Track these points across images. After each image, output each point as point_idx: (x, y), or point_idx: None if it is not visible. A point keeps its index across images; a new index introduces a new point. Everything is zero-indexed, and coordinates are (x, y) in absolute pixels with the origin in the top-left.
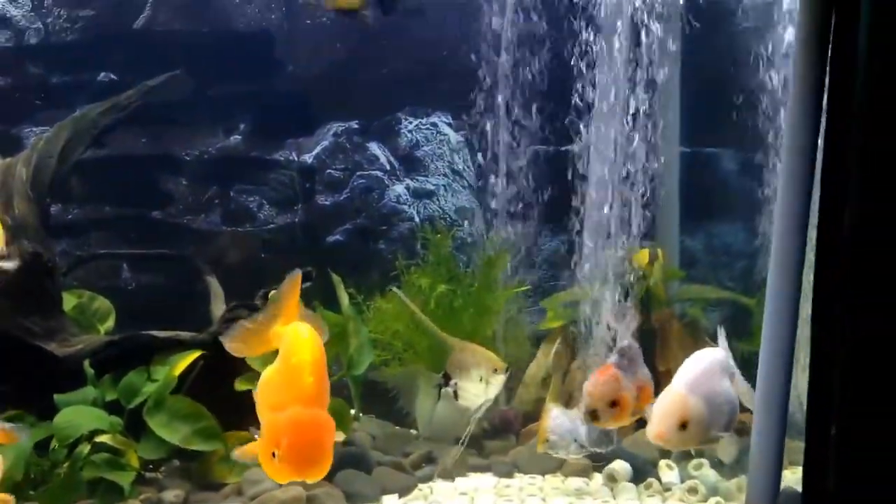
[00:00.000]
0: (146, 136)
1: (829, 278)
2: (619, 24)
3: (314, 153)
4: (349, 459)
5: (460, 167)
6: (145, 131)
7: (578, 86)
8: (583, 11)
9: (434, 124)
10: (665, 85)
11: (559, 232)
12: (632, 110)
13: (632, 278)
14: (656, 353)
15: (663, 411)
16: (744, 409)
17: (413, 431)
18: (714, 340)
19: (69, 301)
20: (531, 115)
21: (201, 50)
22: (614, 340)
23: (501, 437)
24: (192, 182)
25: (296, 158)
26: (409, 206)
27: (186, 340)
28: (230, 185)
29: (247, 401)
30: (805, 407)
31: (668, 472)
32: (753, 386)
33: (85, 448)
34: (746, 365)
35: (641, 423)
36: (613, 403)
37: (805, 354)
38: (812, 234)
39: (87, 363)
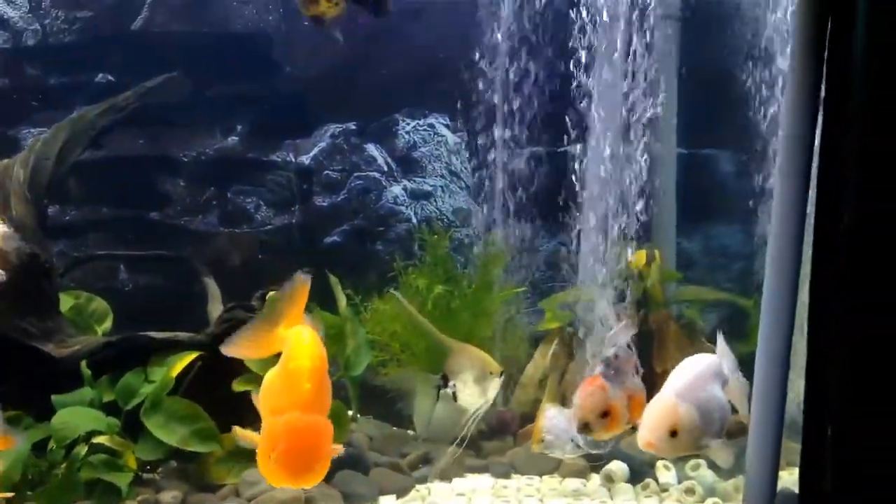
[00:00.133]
0: (144, 137)
1: (826, 279)
2: (616, 25)
3: (312, 154)
4: (347, 460)
5: (457, 168)
6: (143, 132)
7: (575, 87)
8: (580, 12)
9: (431, 125)
10: (662, 86)
11: (557, 233)
12: (629, 112)
13: (629, 280)
14: (653, 355)
15: (653, 419)
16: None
17: (410, 432)
18: (711, 341)
19: (66, 302)
20: (528, 116)
21: (199, 51)
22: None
23: (499, 438)
24: (189, 183)
25: (293, 159)
26: (407, 207)
27: (184, 341)
28: (228, 187)
29: (244, 402)
30: (802, 408)
31: (666, 472)
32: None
33: (82, 449)
34: (743, 366)
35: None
36: (604, 414)
37: (802, 356)
38: (809, 235)
39: (84, 364)
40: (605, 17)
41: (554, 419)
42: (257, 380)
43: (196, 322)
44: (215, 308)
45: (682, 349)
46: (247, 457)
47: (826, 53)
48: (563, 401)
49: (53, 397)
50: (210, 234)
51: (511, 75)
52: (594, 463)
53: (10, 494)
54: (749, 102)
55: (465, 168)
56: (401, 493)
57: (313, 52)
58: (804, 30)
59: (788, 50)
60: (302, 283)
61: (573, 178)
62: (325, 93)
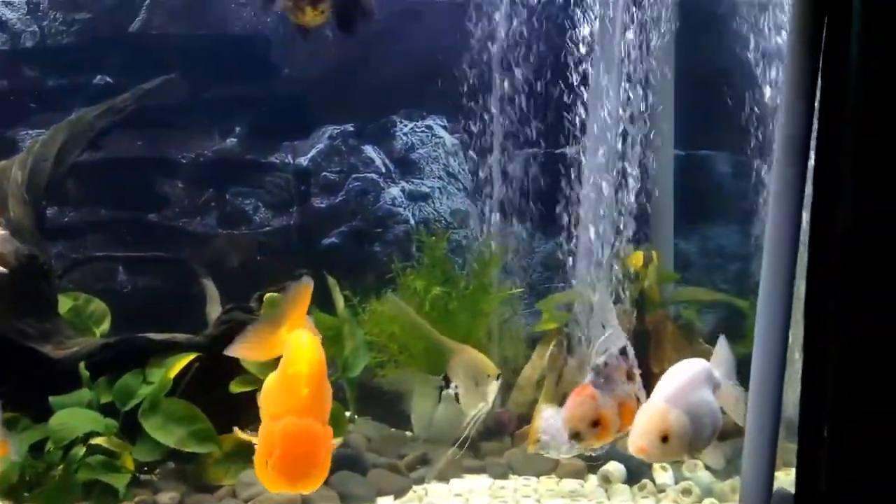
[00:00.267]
0: (142, 138)
1: (822, 279)
2: (613, 26)
3: (310, 156)
4: (344, 461)
5: (455, 170)
6: (141, 134)
7: (572, 89)
8: (577, 14)
9: (429, 127)
10: (660, 87)
11: (554, 234)
12: (626, 113)
13: (626, 281)
14: (651, 355)
15: (644, 425)
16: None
17: (408, 433)
18: (708, 342)
19: (65, 304)
20: (525, 117)
21: (197, 53)
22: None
23: (496, 439)
24: (187, 185)
25: (291, 161)
26: (405, 208)
27: (182, 343)
28: (226, 188)
29: (242, 403)
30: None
31: (663, 473)
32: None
33: (80, 450)
34: (739, 367)
35: None
36: (595, 423)
37: (798, 356)
38: (805, 235)
39: (82, 365)
40: (602, 18)
41: (550, 420)
42: (255, 381)
43: (194, 324)
44: (214, 309)
45: (680, 350)
46: (244, 458)
47: (822, 53)
48: (561, 401)
49: (51, 398)
50: (208, 235)
51: (508, 77)
52: (591, 463)
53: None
54: (747, 103)
55: (463, 169)
56: (398, 493)
57: (311, 54)
58: (800, 29)
59: (785, 50)
60: (305, 287)
61: (570, 179)
62: (323, 94)
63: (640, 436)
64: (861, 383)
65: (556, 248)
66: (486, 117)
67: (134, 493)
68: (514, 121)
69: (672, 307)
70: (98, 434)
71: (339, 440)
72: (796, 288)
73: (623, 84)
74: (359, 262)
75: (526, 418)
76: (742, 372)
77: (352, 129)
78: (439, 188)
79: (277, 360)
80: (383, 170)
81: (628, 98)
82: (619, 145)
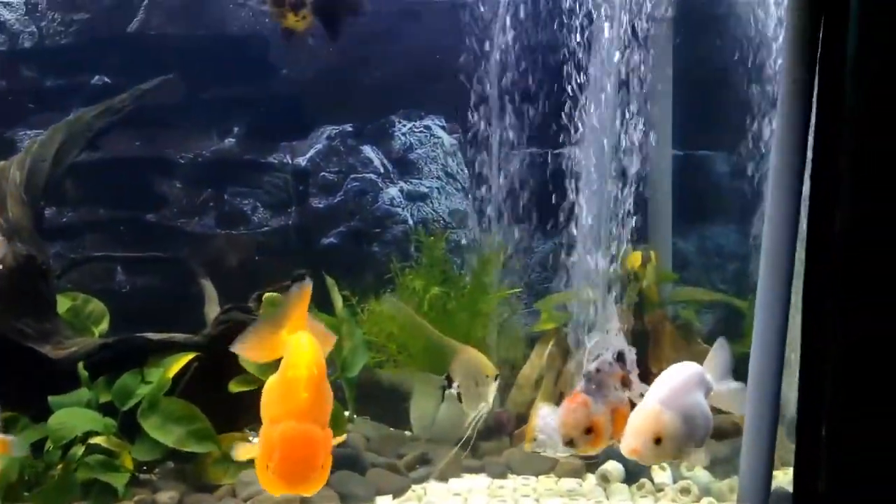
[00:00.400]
0: (140, 139)
1: (820, 278)
2: (611, 26)
3: (308, 156)
4: (343, 461)
5: (454, 170)
6: (139, 134)
7: (571, 88)
8: (575, 15)
9: (427, 127)
10: (657, 87)
11: (552, 234)
12: (624, 113)
13: (626, 280)
14: (649, 355)
15: (637, 426)
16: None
17: (407, 433)
18: (707, 342)
19: (63, 304)
20: (523, 117)
21: (195, 53)
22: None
23: (495, 439)
24: (186, 185)
25: (290, 161)
26: (403, 208)
27: (181, 343)
28: (224, 188)
29: (240, 402)
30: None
31: (661, 472)
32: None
33: (79, 449)
34: (737, 367)
35: None
36: (588, 430)
37: (796, 356)
38: (803, 233)
39: (81, 365)
40: (600, 18)
41: (547, 418)
42: (254, 381)
43: (193, 324)
44: (212, 309)
45: (678, 350)
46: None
47: (819, 53)
48: (559, 401)
49: (50, 398)
50: (207, 235)
51: (506, 77)
52: (590, 462)
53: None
54: (744, 103)
55: (462, 169)
56: (397, 493)
57: (309, 55)
58: (797, 29)
59: (782, 50)
60: (304, 289)
61: (569, 179)
62: (322, 95)
63: (633, 437)
64: (859, 383)
65: (555, 248)
66: (484, 117)
67: (133, 492)
68: (512, 120)
69: (670, 307)
70: (97, 433)
71: (340, 438)
72: (794, 288)
73: (621, 84)
74: (357, 262)
75: (525, 418)
76: (741, 371)
77: (350, 129)
78: (438, 188)
79: (277, 359)
80: (382, 170)
81: (627, 98)
82: (618, 145)
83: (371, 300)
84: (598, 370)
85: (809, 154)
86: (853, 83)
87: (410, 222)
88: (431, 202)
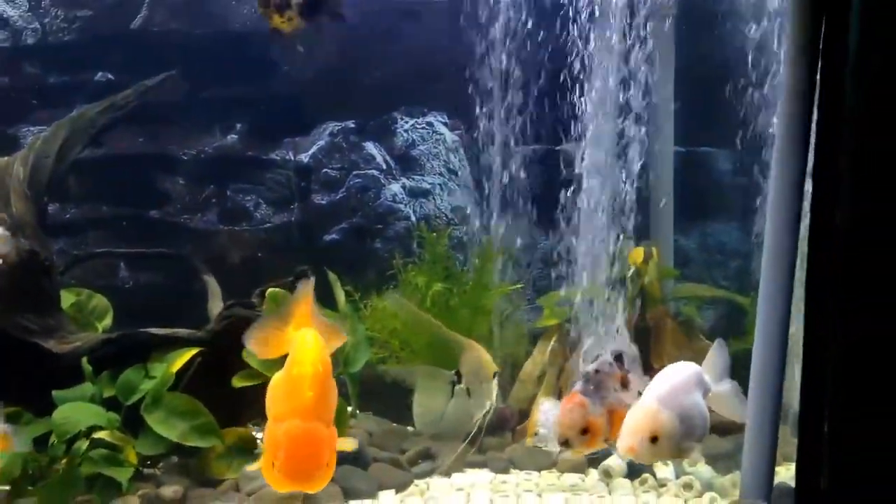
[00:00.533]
0: (143, 135)
1: (822, 278)
2: (613, 22)
3: (310, 152)
4: (346, 456)
5: (456, 166)
6: (142, 131)
7: (572, 85)
8: (576, 11)
9: (430, 123)
10: (659, 84)
11: (554, 230)
12: (626, 109)
13: (628, 277)
14: (651, 351)
15: (634, 425)
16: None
17: (410, 428)
18: (709, 338)
19: (67, 299)
20: (525, 114)
21: (198, 50)
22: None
23: (498, 434)
24: (189, 181)
25: (292, 158)
26: (406, 205)
27: (184, 338)
28: (227, 185)
29: (244, 397)
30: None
31: (664, 467)
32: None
33: (83, 444)
34: (740, 363)
35: None
36: (584, 431)
37: (799, 353)
38: (805, 233)
39: (84, 360)
40: (602, 15)
41: (548, 413)
42: (257, 376)
43: (196, 319)
44: (215, 305)
45: (680, 346)
46: (247, 452)
47: (821, 51)
48: (561, 396)
49: (54, 393)
50: (209, 231)
51: (508, 73)
52: (592, 457)
53: (4, 487)
54: (747, 99)
55: (464, 166)
56: (400, 488)
57: (312, 51)
58: (798, 29)
59: (784, 48)
60: (306, 286)
61: (571, 175)
62: (324, 91)
63: (629, 436)
64: (860, 381)
65: (557, 245)
66: (486, 114)
67: (137, 486)
68: (514, 117)
69: (672, 303)
70: (101, 428)
71: (350, 446)
72: (796, 285)
73: (623, 80)
74: (360, 259)
75: (527, 413)
76: (743, 368)
77: (353, 125)
78: (440, 185)
79: (283, 355)
80: (384, 166)
81: (628, 94)
82: (619, 142)
83: (374, 296)
84: (597, 371)
85: (811, 153)
86: (854, 82)
87: (413, 219)
88: (434, 198)
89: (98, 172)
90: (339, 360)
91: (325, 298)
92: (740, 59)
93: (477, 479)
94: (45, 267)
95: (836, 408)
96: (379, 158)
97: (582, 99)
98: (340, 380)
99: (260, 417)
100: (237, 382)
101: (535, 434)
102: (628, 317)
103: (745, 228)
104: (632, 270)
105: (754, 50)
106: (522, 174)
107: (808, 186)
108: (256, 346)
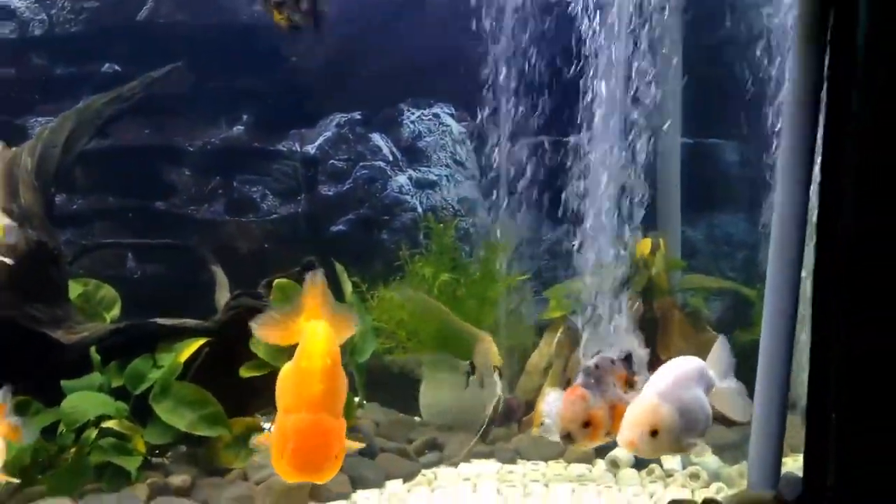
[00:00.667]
0: (150, 126)
1: (827, 283)
2: (621, 13)
3: (317, 144)
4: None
5: (462, 157)
6: (149, 122)
7: (579, 76)
8: (585, 1)
9: (436, 115)
10: (667, 75)
11: (561, 222)
12: (634, 101)
13: (634, 268)
14: (658, 342)
15: (634, 419)
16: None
17: (417, 419)
18: (715, 329)
19: (75, 289)
20: (532, 105)
21: (204, 42)
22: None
23: (504, 425)
24: (195, 172)
25: (299, 149)
26: (412, 196)
27: (191, 328)
28: (233, 176)
29: (251, 387)
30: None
31: (670, 458)
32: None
33: (92, 433)
34: (748, 355)
35: None
36: (586, 424)
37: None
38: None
39: (93, 350)
40: (609, 5)
41: (553, 403)
42: (265, 366)
43: (203, 310)
44: (223, 296)
45: (687, 337)
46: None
47: (827, 60)
48: (566, 387)
49: (63, 382)
50: (216, 222)
51: (515, 64)
52: (599, 448)
53: (15, 480)
54: (754, 91)
55: (470, 157)
56: (407, 477)
57: (318, 43)
58: (805, 28)
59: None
60: (315, 278)
61: (577, 167)
62: (331, 83)
63: (629, 429)
64: (864, 381)
65: (564, 237)
66: (493, 105)
67: (146, 475)
68: (521, 108)
69: (679, 294)
70: (109, 417)
71: (357, 445)
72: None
73: (630, 72)
74: (366, 250)
75: (533, 405)
76: (750, 359)
77: (359, 117)
78: (446, 176)
79: (289, 345)
80: (390, 158)
81: (636, 86)
82: (627, 133)
83: (380, 287)
84: (597, 366)
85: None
86: (860, 94)
87: (419, 210)
88: (440, 190)
89: (105, 163)
90: (346, 350)
91: (331, 289)
92: (748, 49)
93: (484, 470)
94: (52, 257)
95: (841, 408)
96: (385, 150)
97: (589, 90)
98: (347, 371)
99: (267, 407)
100: (244, 372)
101: (541, 424)
102: (635, 308)
103: (752, 220)
104: (639, 262)
105: (762, 40)
106: (528, 165)
107: (813, 187)
108: (267, 333)
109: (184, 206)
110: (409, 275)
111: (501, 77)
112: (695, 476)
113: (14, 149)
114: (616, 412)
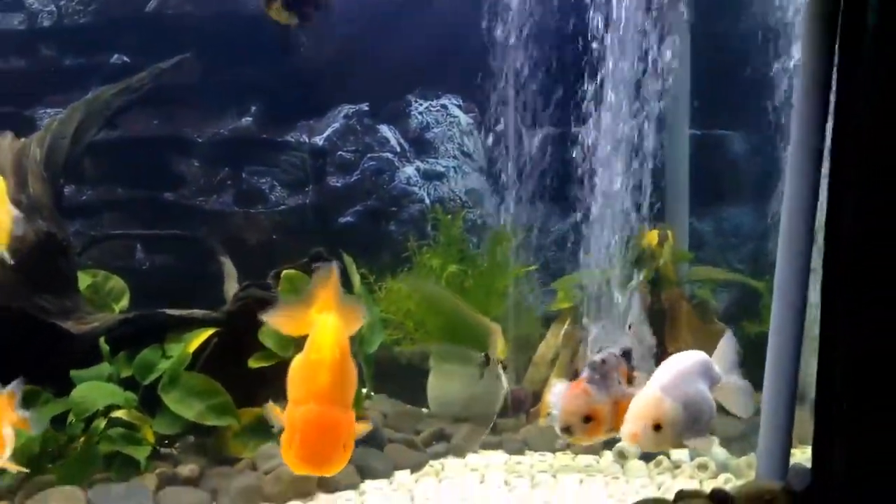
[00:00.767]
0: (158, 117)
1: (833, 279)
2: (629, 3)
3: (325, 135)
4: (362, 436)
5: (470, 149)
6: (158, 113)
7: (588, 67)
8: None
9: (444, 106)
10: (675, 66)
11: (569, 214)
12: (641, 92)
13: (641, 260)
14: (665, 334)
15: (637, 412)
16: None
17: (424, 410)
18: (722, 321)
19: (84, 280)
20: (540, 96)
21: (213, 33)
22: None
23: (512, 416)
24: (203, 164)
25: (307, 140)
26: (420, 187)
27: (200, 319)
28: (242, 167)
29: (259, 377)
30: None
31: (678, 449)
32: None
33: (101, 423)
34: (756, 347)
35: None
36: (587, 419)
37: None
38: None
39: (102, 340)
40: None
41: (559, 394)
42: (273, 356)
43: (212, 301)
44: (231, 287)
45: (694, 329)
46: (263, 431)
47: (836, 59)
48: (573, 378)
49: (72, 372)
50: (225, 213)
51: (523, 56)
52: (607, 439)
53: (24, 470)
54: (763, 82)
55: (478, 149)
56: (415, 468)
57: (326, 34)
58: (814, 17)
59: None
60: (328, 271)
61: (586, 158)
62: (339, 74)
63: (632, 423)
64: (872, 374)
65: (571, 228)
66: (500, 96)
67: (154, 465)
68: (529, 100)
69: (687, 286)
70: (118, 407)
71: (364, 426)
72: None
73: (639, 62)
74: (374, 241)
75: (541, 395)
76: (758, 351)
77: (367, 108)
78: (454, 167)
79: (298, 337)
80: (398, 149)
81: (644, 77)
82: (635, 125)
83: (388, 278)
84: (603, 361)
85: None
86: (866, 94)
87: (427, 201)
88: (448, 181)
89: (113, 155)
90: (355, 341)
91: (340, 280)
92: (757, 41)
93: (491, 461)
94: (61, 248)
95: (850, 399)
96: (393, 141)
97: (597, 81)
98: (356, 362)
99: (275, 398)
100: (253, 363)
101: (548, 415)
102: (643, 300)
103: (760, 211)
104: (647, 253)
105: (771, 31)
106: (536, 156)
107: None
108: (278, 322)
109: (192, 197)
110: (417, 266)
111: (509, 67)
112: (703, 467)
113: (23, 140)
114: (620, 408)
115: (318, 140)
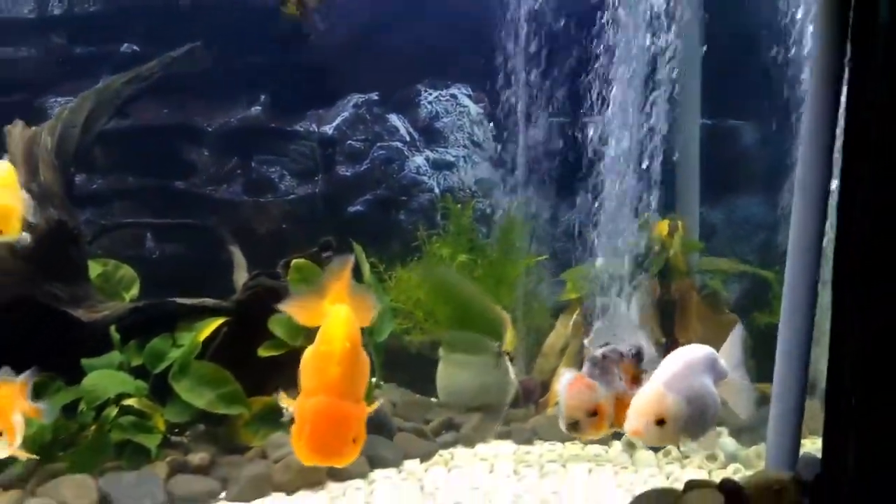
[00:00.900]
0: (168, 106)
1: (844, 273)
2: None
3: (335, 124)
4: (372, 425)
5: (480, 138)
6: (168, 102)
7: (598, 57)
8: None
9: (454, 96)
10: (686, 56)
11: (579, 204)
12: (653, 82)
13: (651, 249)
14: (676, 324)
15: (640, 408)
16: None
17: (433, 399)
18: (733, 311)
19: (94, 269)
20: (550, 86)
21: (222, 22)
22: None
23: (521, 406)
24: (213, 152)
25: (316, 129)
26: (429, 177)
27: (210, 307)
28: (251, 156)
29: (269, 366)
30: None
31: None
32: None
33: (112, 411)
34: (766, 337)
35: None
36: (592, 413)
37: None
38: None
39: (112, 329)
40: None
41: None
42: (282, 345)
43: (222, 290)
44: (241, 276)
45: (704, 319)
46: (273, 420)
47: (848, 50)
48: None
49: (83, 361)
50: (234, 202)
51: (533, 45)
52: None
53: (34, 457)
54: (774, 73)
55: (488, 138)
56: (424, 457)
57: (336, 23)
58: (825, 22)
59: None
60: (343, 263)
61: (596, 148)
62: (348, 63)
63: (635, 418)
64: (885, 368)
65: (581, 218)
66: (510, 86)
67: (165, 453)
68: (539, 89)
69: (697, 276)
70: (129, 395)
71: (375, 405)
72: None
73: (650, 52)
74: (384, 230)
75: (550, 385)
76: (768, 342)
77: (376, 97)
78: (464, 157)
79: (309, 327)
80: (408, 138)
81: (655, 67)
82: (646, 114)
83: (398, 268)
84: (604, 356)
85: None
86: (882, 76)
87: (437, 191)
88: (457, 171)
89: (124, 143)
90: (365, 330)
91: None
92: (768, 31)
93: (501, 450)
94: (72, 236)
95: (861, 390)
96: (403, 130)
97: (608, 71)
98: (367, 352)
99: (284, 386)
100: (263, 352)
101: (557, 405)
102: (653, 290)
103: (771, 202)
104: (657, 243)
105: (782, 21)
106: (547, 147)
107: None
108: (293, 311)
109: (202, 186)
110: (427, 255)
111: (519, 57)
112: (712, 457)
113: (34, 128)
114: (620, 404)
115: (328, 129)
